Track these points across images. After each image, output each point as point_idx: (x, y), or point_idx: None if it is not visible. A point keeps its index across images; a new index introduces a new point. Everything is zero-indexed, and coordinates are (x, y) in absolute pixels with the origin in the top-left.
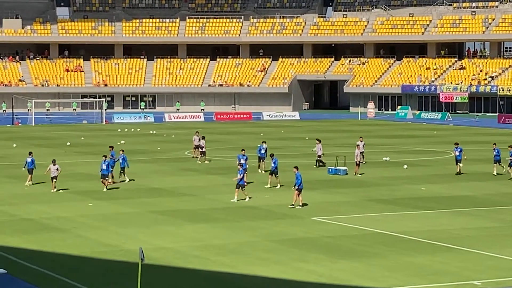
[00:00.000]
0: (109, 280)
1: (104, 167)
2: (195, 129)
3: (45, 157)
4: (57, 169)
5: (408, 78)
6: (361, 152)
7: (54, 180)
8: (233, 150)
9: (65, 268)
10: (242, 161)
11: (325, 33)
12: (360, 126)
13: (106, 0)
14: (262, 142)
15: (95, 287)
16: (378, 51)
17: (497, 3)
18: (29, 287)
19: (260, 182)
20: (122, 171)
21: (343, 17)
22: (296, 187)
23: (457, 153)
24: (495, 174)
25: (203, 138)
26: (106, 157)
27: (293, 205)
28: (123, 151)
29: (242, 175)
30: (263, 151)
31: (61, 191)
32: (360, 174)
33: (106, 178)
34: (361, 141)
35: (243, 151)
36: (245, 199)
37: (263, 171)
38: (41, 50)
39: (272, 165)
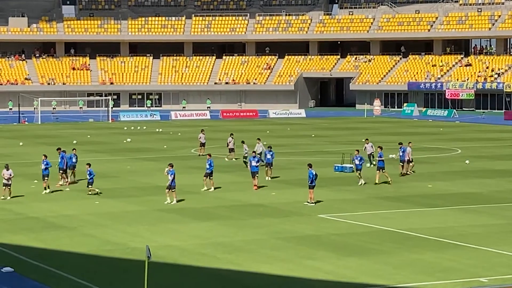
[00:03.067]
0: (116, 278)
1: (43, 167)
2: (201, 127)
3: (51, 156)
4: (10, 175)
5: (414, 75)
6: (370, 154)
7: (8, 187)
8: (238, 148)
9: (72, 266)
10: (254, 163)
11: (331, 30)
12: (366, 124)
13: None
14: (268, 148)
15: (102, 285)
16: (384, 48)
17: (503, 0)
18: (36, 285)
19: (266, 182)
20: (65, 171)
21: (349, 14)
22: (308, 184)
23: (400, 153)
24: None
25: (231, 135)
26: (46, 157)
27: (312, 203)
28: (64, 151)
29: (172, 176)
30: (268, 156)
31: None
32: (410, 172)
33: (46, 179)
34: (367, 143)
35: (254, 153)
36: (172, 201)
37: (269, 178)
38: (47, 48)
39: (208, 166)
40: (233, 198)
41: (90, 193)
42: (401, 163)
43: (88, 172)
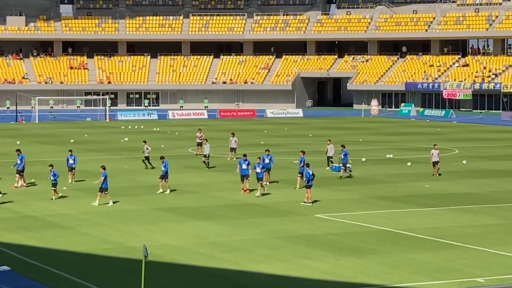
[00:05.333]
0: (113, 277)
1: None
2: (199, 126)
3: (49, 154)
4: None
5: (412, 75)
6: (329, 156)
7: None
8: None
9: (69, 265)
10: (244, 166)
11: (328, 30)
12: (364, 123)
13: None
14: (266, 151)
15: (99, 284)
16: (382, 48)
17: (500, 0)
18: (33, 284)
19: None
20: (21, 173)
21: (347, 14)
22: (305, 183)
23: (342, 156)
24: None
25: (233, 134)
26: None
27: (309, 202)
28: (19, 151)
29: (104, 178)
30: (267, 161)
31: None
32: (438, 174)
33: None
34: (329, 144)
35: (244, 156)
36: (108, 203)
37: (267, 182)
38: (44, 47)
39: (163, 168)
40: (230, 197)
41: (54, 197)
42: (342, 167)
43: (52, 174)
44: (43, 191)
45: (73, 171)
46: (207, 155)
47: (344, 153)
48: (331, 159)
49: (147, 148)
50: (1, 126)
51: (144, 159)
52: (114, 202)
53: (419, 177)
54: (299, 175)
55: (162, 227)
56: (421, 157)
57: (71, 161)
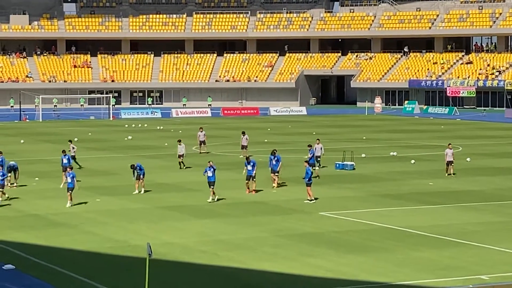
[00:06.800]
0: (117, 275)
1: None
2: (202, 124)
3: (52, 153)
4: None
5: (415, 73)
6: (317, 157)
7: None
8: (239, 145)
9: (73, 263)
10: (249, 167)
11: (332, 28)
12: (367, 121)
13: None
14: (273, 151)
15: (103, 282)
16: (385, 46)
17: None
18: (37, 282)
19: (265, 180)
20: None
21: (350, 12)
22: (306, 181)
23: (274, 162)
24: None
25: (243, 133)
26: None
27: (308, 200)
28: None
29: (72, 178)
30: (274, 162)
31: None
32: (453, 174)
33: None
34: (318, 144)
35: (248, 158)
36: (67, 205)
37: (275, 185)
38: (48, 46)
39: (139, 171)
40: (234, 195)
41: (5, 198)
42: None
43: (1, 174)
44: (46, 190)
45: (66, 171)
46: (182, 155)
47: (311, 152)
48: (318, 159)
49: (73, 148)
50: (5, 125)
51: (72, 159)
52: (75, 204)
53: (423, 175)
54: (276, 173)
55: (166, 225)
56: (425, 155)
57: (65, 161)
